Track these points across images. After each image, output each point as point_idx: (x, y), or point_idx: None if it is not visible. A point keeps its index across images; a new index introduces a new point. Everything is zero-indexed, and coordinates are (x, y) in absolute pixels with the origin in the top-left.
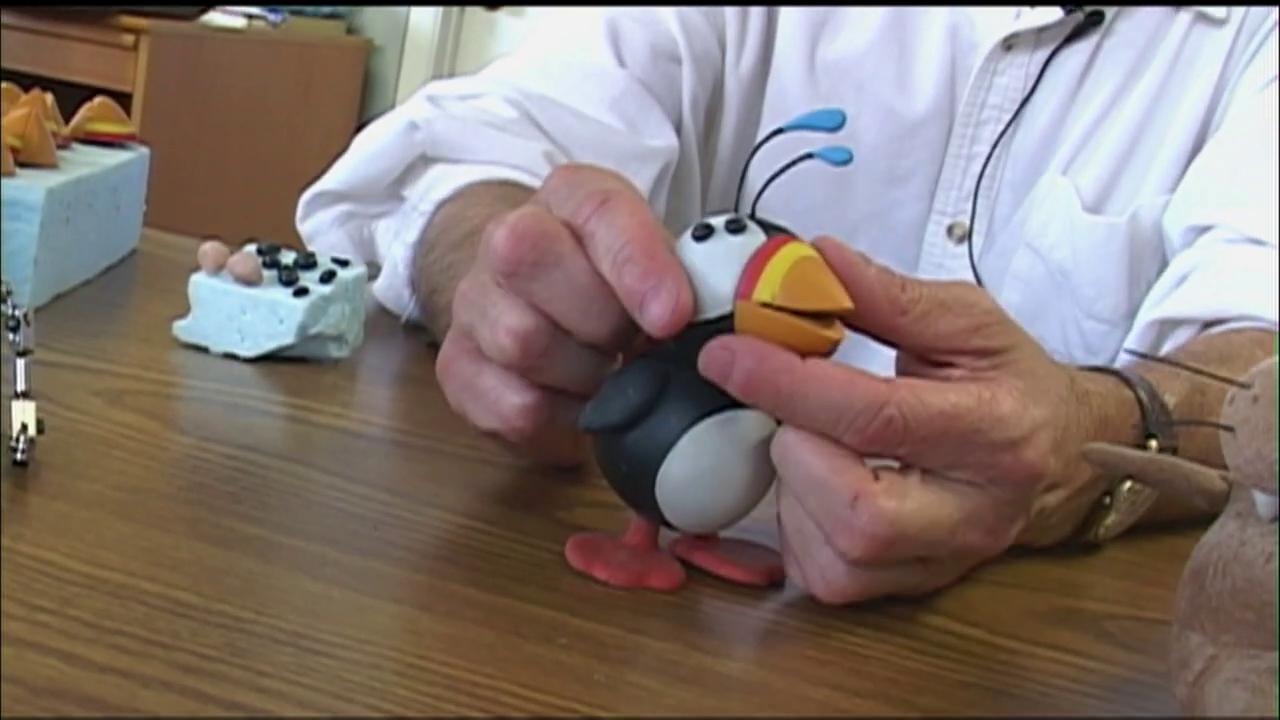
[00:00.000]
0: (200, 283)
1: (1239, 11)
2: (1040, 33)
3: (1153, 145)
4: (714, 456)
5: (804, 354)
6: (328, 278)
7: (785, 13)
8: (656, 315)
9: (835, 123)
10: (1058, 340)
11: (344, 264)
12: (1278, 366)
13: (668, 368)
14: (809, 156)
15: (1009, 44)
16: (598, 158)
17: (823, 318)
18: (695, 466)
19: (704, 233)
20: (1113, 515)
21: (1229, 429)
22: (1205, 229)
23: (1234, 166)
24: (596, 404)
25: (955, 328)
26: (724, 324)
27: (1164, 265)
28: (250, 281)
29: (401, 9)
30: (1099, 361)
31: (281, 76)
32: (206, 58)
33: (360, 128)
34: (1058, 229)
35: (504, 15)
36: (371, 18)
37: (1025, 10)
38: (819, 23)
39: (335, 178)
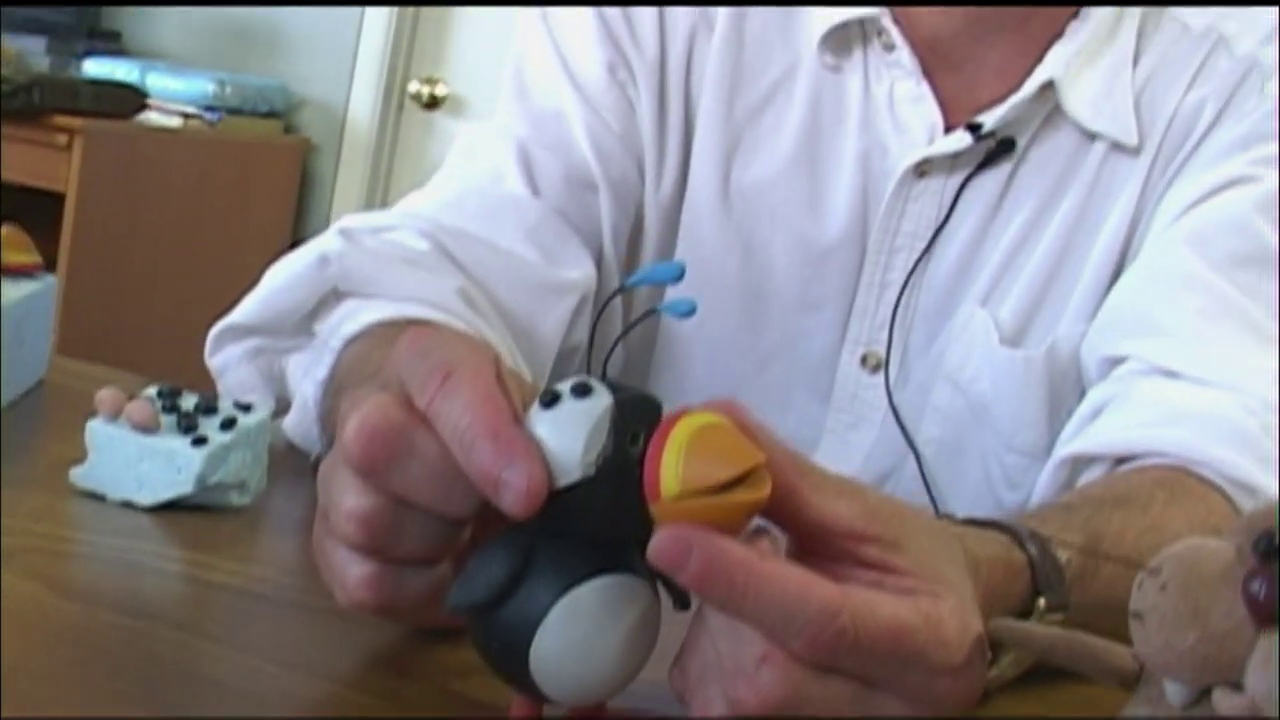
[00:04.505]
0: (97, 430)
1: (1154, 140)
2: (953, 159)
3: (1071, 275)
4: (586, 625)
5: (738, 523)
6: (228, 424)
7: (700, 137)
8: (511, 500)
9: (675, 274)
10: (979, 475)
11: (246, 409)
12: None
13: (531, 540)
14: (654, 312)
15: (922, 170)
16: (513, 291)
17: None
18: (567, 638)
19: (551, 399)
20: (993, 669)
21: (1137, 616)
22: (1120, 360)
23: (1148, 296)
24: (461, 582)
25: (854, 510)
26: (580, 491)
27: (1084, 396)
28: (147, 429)
29: (338, 109)
30: (1019, 496)
31: (219, 176)
32: (142, 158)
33: (298, 227)
34: (976, 362)
35: (441, 115)
36: (309, 117)
37: (937, 137)
38: (732, 147)
39: (245, 311)
